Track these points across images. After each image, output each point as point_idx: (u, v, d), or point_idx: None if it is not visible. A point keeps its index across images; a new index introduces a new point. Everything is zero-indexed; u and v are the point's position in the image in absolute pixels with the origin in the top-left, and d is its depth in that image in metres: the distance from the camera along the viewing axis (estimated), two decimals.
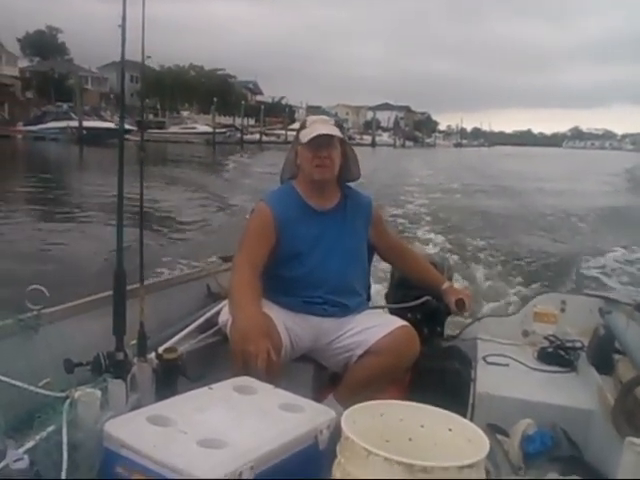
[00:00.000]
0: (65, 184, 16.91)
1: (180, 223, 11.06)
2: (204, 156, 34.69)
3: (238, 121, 60.25)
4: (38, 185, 16.27)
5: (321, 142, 2.19)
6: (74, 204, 12.97)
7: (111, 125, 35.03)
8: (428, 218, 12.84)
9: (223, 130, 52.19)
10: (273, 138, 55.30)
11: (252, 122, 65.62)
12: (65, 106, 42.60)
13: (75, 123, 37.26)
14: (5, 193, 14.12)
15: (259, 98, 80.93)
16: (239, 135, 53.81)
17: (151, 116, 56.86)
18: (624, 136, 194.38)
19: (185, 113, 65.41)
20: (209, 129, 50.98)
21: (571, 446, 1.86)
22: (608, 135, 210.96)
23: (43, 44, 62.74)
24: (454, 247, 9.22)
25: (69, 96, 45.63)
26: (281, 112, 69.98)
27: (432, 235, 10.47)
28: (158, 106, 61.66)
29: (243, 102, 59.76)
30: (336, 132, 2.22)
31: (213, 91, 61.70)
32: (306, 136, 2.21)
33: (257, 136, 57.25)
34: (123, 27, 1.55)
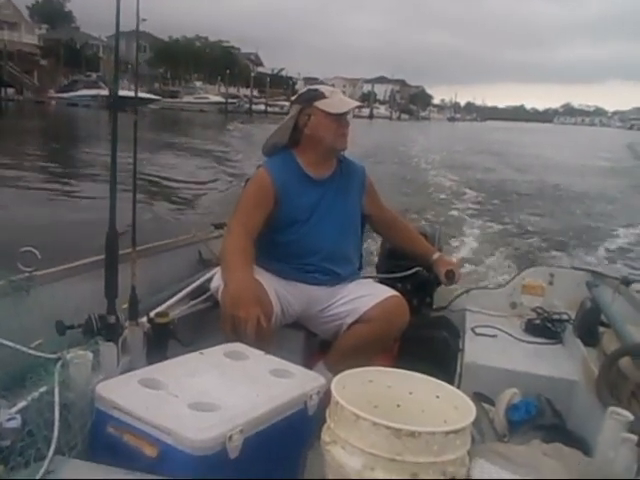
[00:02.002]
0: (86, 147, 16.87)
1: (187, 188, 10.98)
2: (219, 122, 37.85)
3: (242, 92, 64.30)
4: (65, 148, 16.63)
5: (345, 113, 2.25)
6: (87, 164, 12.93)
7: (141, 95, 36.97)
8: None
9: (234, 100, 57.29)
10: (277, 109, 56.43)
11: (255, 93, 67.30)
12: (94, 75, 48.27)
13: (104, 91, 40.32)
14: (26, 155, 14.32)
15: (260, 69, 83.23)
16: (247, 105, 58.14)
17: (157, 85, 59.70)
18: (614, 113, 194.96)
19: (198, 83, 68.33)
20: (221, 99, 56.89)
21: (555, 415, 1.90)
22: (599, 112, 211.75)
23: (52, 12, 64.15)
24: (446, 217, 9.30)
25: (90, 65, 49.79)
26: (282, 83, 71.55)
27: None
28: (168, 75, 64.68)
29: (252, 74, 64.62)
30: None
31: (218, 62, 65.83)
32: (333, 107, 2.22)
33: (262, 107, 60.39)
34: None
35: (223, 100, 56.75)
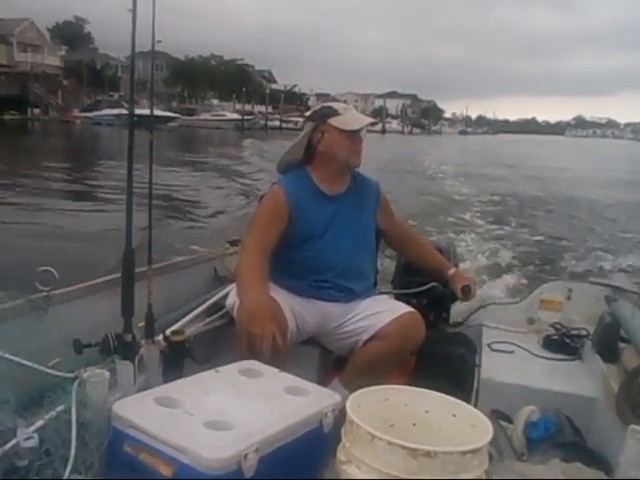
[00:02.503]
0: (107, 165, 17.21)
1: (200, 207, 11.08)
2: (235, 138, 39.51)
3: (256, 108, 66.23)
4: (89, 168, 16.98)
5: (359, 130, 2.26)
6: (104, 185, 13.14)
7: (158, 112, 40.50)
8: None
9: (250, 117, 59.92)
10: (291, 125, 57.69)
11: (269, 109, 69.33)
12: (116, 95, 51.05)
13: (126, 111, 40.83)
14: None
15: (274, 86, 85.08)
16: (262, 122, 59.95)
17: (175, 103, 62.17)
18: (627, 125, 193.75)
19: (215, 101, 71.10)
20: (237, 116, 59.27)
21: (574, 433, 1.87)
22: (611, 124, 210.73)
23: (71, 34, 66.84)
24: (463, 229, 9.27)
25: (111, 85, 53.26)
26: (295, 100, 73.03)
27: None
28: (185, 94, 67.04)
29: (268, 91, 66.97)
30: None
31: (233, 80, 68.43)
32: (347, 124, 2.24)
33: (277, 123, 62.11)
34: (134, 12, 1.55)
35: (239, 117, 58.83)
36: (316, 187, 2.29)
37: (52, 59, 57.16)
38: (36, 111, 46.65)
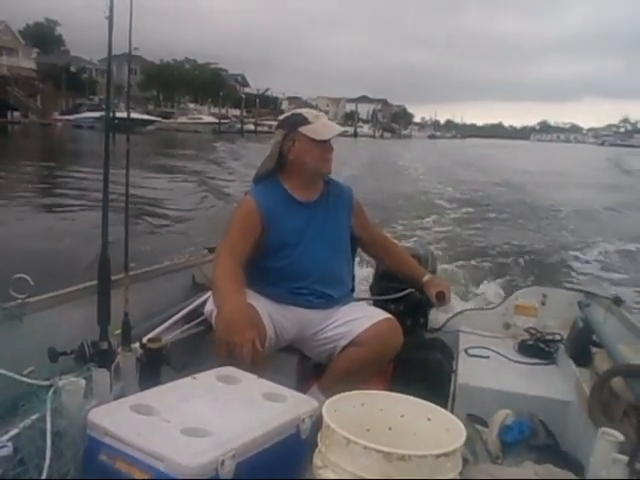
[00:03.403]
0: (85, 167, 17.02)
1: (178, 210, 10.99)
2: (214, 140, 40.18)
3: (230, 112, 67.00)
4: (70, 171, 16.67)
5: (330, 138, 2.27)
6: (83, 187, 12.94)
7: (138, 116, 42.34)
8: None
9: (226, 121, 60.21)
10: (265, 128, 58.44)
11: (244, 113, 69.80)
12: (97, 99, 51.94)
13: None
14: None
15: (247, 90, 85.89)
16: (238, 126, 60.29)
17: (151, 107, 63.19)
18: (589, 130, 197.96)
19: (192, 105, 71.66)
20: (214, 119, 59.87)
21: (548, 436, 1.90)
22: (574, 129, 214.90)
23: (43, 36, 65.56)
24: (441, 238, 9.36)
25: (91, 89, 53.97)
26: (268, 103, 73.80)
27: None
28: (161, 97, 67.99)
29: (244, 96, 67.82)
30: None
31: (207, 83, 69.12)
32: (317, 134, 2.23)
33: (252, 126, 62.43)
34: (110, 18, 1.55)
35: (216, 120, 59.41)
36: (289, 195, 2.30)
37: (27, 62, 56.90)
38: (16, 114, 46.44)
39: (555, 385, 2.20)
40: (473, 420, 1.95)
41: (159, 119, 48.75)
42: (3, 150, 23.23)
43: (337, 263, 2.35)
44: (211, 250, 2.88)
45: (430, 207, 12.97)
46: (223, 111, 68.20)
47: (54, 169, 17.31)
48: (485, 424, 1.96)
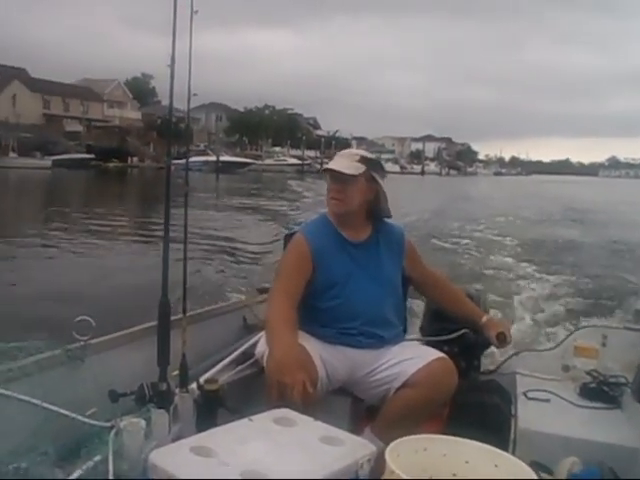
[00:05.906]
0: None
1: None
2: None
3: (306, 153, 75.30)
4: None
5: (336, 176, 2.23)
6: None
7: (239, 159, 56.04)
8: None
9: (308, 162, 68.32)
10: None
11: (317, 154, 77.54)
12: (202, 145, 59.45)
13: (212, 158, 52.77)
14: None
15: (318, 132, 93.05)
16: (318, 166, 66.98)
17: (238, 150, 71.75)
18: None
19: (277, 148, 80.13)
20: (297, 161, 69.57)
21: None
22: None
23: (140, 89, 73.31)
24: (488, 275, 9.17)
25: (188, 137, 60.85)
26: (338, 144, 79.03)
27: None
28: (246, 141, 76.32)
29: (322, 139, 75.71)
30: (348, 169, 2.20)
31: (284, 127, 78.44)
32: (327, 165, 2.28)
33: None
34: (172, 68, 1.63)
35: (299, 162, 68.41)
36: (339, 234, 2.30)
37: (134, 114, 67.24)
38: (134, 159, 55.34)
39: (622, 431, 2.09)
40: (538, 467, 1.87)
41: (254, 162, 57.67)
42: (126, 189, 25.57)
43: (387, 305, 2.32)
44: (262, 291, 2.91)
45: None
46: (299, 152, 75.83)
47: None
48: (550, 472, 1.88)
